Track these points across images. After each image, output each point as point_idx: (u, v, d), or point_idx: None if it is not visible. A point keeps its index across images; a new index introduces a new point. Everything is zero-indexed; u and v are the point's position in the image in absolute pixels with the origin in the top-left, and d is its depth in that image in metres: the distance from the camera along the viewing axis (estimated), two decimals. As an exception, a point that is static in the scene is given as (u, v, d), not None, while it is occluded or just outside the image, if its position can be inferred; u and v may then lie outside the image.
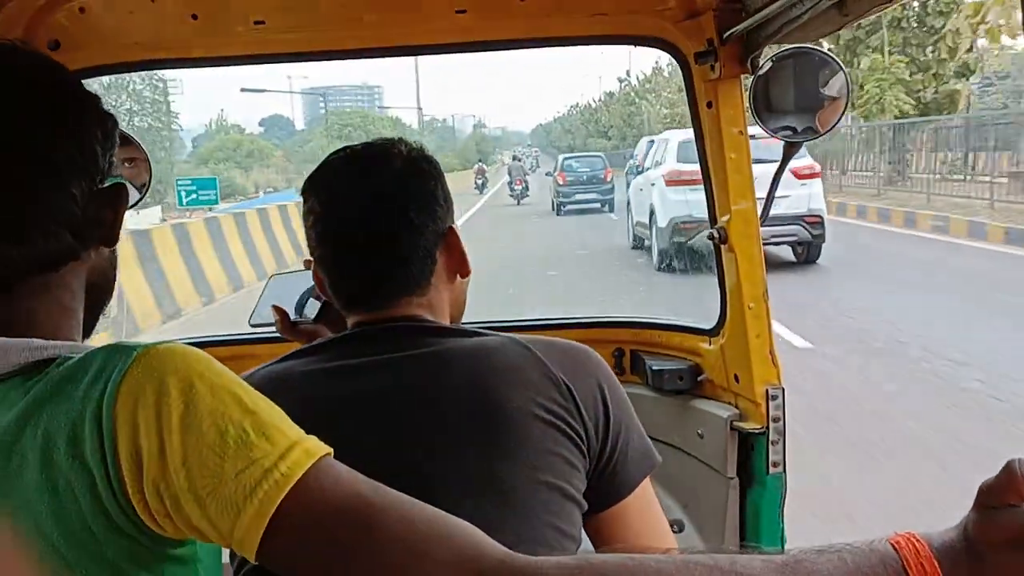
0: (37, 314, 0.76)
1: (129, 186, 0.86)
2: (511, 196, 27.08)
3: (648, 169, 12.27)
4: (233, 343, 1.94)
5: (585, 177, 22.36)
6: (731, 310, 1.65)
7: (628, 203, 13.51)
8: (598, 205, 21.86)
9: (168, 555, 0.71)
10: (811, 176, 9.98)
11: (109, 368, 0.69)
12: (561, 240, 15.57)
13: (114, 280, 0.88)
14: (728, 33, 1.46)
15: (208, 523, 0.67)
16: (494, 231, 16.49)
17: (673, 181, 10.27)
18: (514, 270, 10.99)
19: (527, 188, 27.25)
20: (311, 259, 1.11)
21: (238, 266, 12.00)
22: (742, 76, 1.53)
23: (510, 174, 28.54)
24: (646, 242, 11.75)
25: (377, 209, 1.05)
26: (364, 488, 0.68)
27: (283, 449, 0.67)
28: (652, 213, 10.98)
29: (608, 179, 22.29)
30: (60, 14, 1.46)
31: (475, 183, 35.23)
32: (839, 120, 1.53)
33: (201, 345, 1.85)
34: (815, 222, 9.79)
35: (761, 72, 1.48)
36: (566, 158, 25.03)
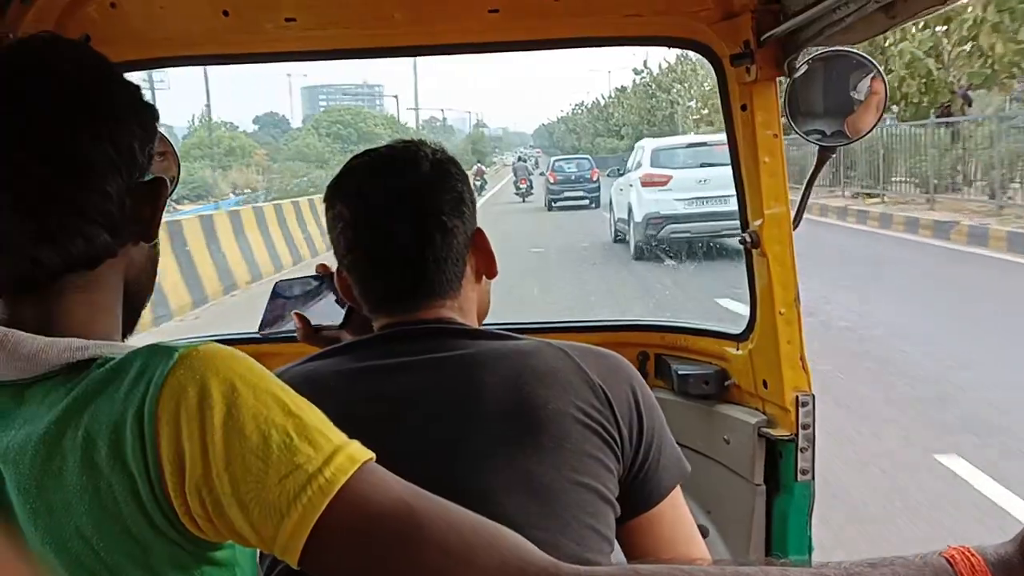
0: (74, 314, 0.75)
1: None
2: (516, 194, 29.06)
3: (629, 172, 13.99)
4: (257, 341, 1.92)
5: (573, 177, 25.05)
6: (762, 315, 1.63)
7: (611, 201, 15.17)
8: (586, 202, 24.09)
9: (207, 557, 0.70)
10: None
11: (151, 369, 0.68)
12: (549, 227, 18.52)
13: (154, 276, 0.86)
14: (766, 36, 1.44)
15: (251, 528, 0.66)
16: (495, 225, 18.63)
17: (647, 183, 12.29)
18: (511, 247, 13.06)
19: (531, 187, 29.36)
20: (325, 264, 1.11)
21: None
22: (778, 79, 1.51)
23: (515, 174, 31.04)
24: (626, 236, 13.25)
25: (411, 213, 1.05)
26: (408, 494, 0.67)
27: (327, 454, 0.66)
28: (630, 210, 12.79)
29: (594, 179, 24.83)
30: (91, 7, 1.45)
31: (473, 185, 34.08)
32: (874, 126, 1.51)
33: (227, 342, 1.84)
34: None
35: (798, 75, 1.46)
36: (556, 159, 28.24)
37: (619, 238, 14.08)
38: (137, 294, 0.84)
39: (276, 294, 1.46)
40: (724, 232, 10.92)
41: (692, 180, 12.10)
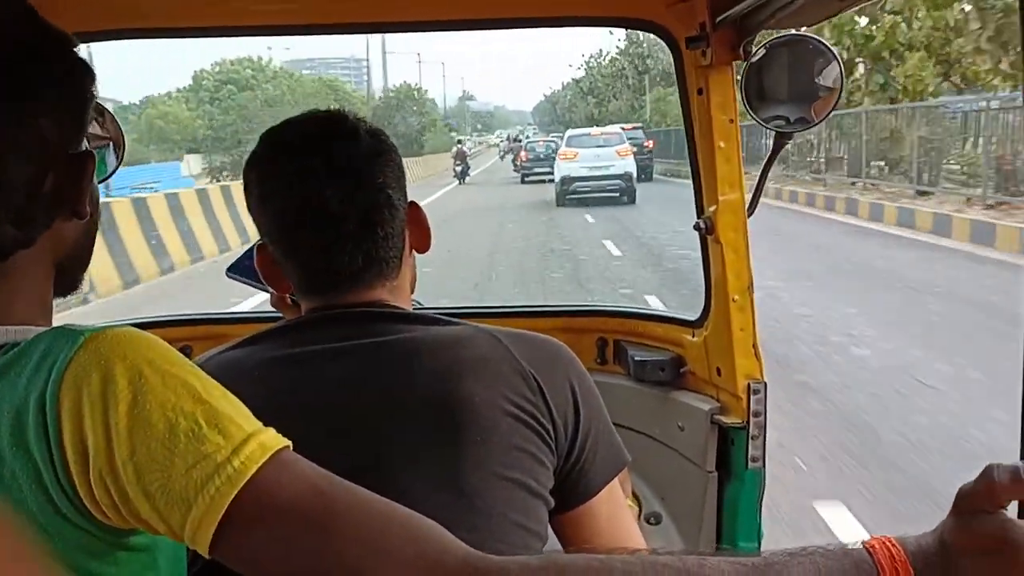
0: None
1: (111, 155, 0.80)
2: (516, 171, 32.54)
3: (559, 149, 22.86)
4: (209, 322, 1.89)
5: (542, 156, 29.32)
6: (715, 302, 1.62)
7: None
8: (552, 178, 27.61)
9: (121, 543, 0.68)
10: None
11: (54, 353, 0.65)
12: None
13: (90, 250, 0.81)
14: (721, 17, 1.42)
15: (157, 517, 0.64)
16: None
17: (563, 157, 21.18)
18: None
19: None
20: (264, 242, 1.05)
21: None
22: (734, 63, 1.49)
23: (512, 152, 35.64)
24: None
25: (356, 189, 0.99)
26: (323, 483, 0.65)
27: (237, 442, 0.64)
28: (556, 175, 21.18)
29: None
30: None
31: (453, 170, 30.69)
32: (830, 112, 1.50)
33: (164, 324, 1.82)
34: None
35: (754, 59, 1.44)
36: (528, 141, 34.56)
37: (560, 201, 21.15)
38: (71, 270, 0.79)
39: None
40: (607, 188, 20.17)
41: (591, 155, 20.50)
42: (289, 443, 0.67)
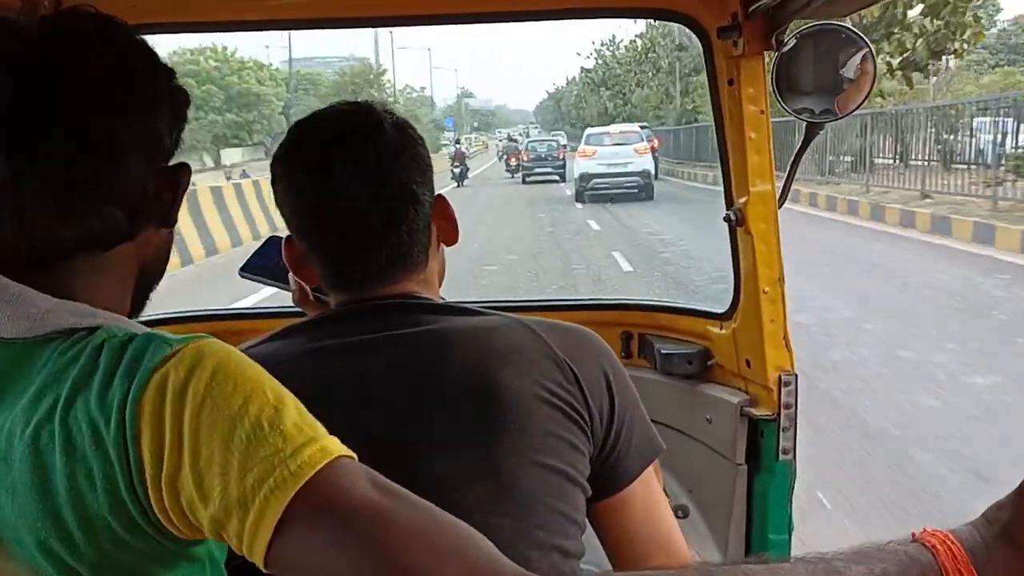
0: (79, 294, 0.73)
1: None
2: (507, 171, 31.83)
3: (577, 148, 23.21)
4: (222, 318, 1.89)
5: (544, 155, 29.30)
6: (745, 294, 1.62)
7: (573, 170, 23.39)
8: (555, 177, 28.27)
9: (184, 553, 0.69)
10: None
11: (145, 359, 0.66)
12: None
13: (167, 260, 0.85)
14: (753, 8, 1.41)
15: (218, 522, 0.63)
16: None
17: (582, 155, 21.48)
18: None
19: (520, 165, 31.57)
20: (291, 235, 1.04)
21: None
22: (765, 53, 1.48)
23: (506, 153, 34.18)
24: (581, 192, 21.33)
25: (382, 185, 0.99)
26: (379, 493, 0.64)
27: (297, 445, 0.63)
28: (574, 172, 21.98)
29: (560, 157, 29.16)
30: None
31: (451, 172, 27.88)
32: (861, 103, 1.49)
33: (181, 321, 1.82)
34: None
35: (785, 49, 1.43)
36: (530, 140, 34.32)
37: (578, 196, 21.81)
38: (149, 279, 0.83)
39: (271, 245, 1.42)
40: (624, 185, 20.50)
41: (609, 153, 21.05)
42: (352, 454, 0.66)
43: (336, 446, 0.65)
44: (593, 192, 20.38)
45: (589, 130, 24.58)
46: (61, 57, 0.71)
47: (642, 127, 25.33)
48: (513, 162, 31.14)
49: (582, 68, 58.46)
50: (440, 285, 1.11)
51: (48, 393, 0.66)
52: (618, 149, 21.14)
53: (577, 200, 20.45)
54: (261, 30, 1.64)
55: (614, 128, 24.99)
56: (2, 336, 0.69)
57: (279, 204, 1.03)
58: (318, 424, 0.67)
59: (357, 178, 0.98)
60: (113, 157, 0.72)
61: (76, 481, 0.64)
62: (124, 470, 0.64)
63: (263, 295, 5.67)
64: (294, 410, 0.66)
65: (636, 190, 20.47)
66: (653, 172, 21.09)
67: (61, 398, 0.66)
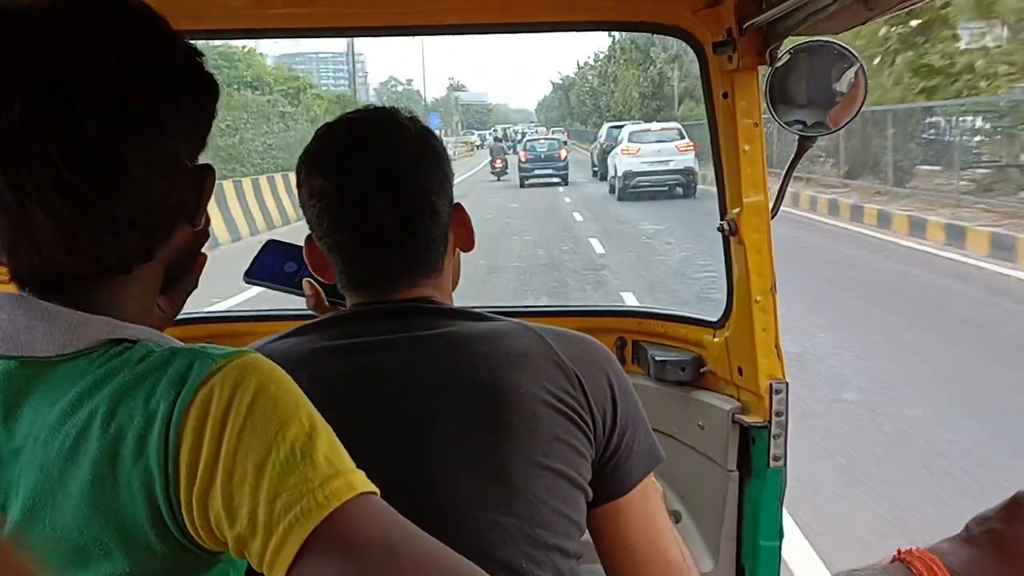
0: (107, 308, 0.73)
1: None
2: (492, 173, 29.94)
3: (615, 147, 22.74)
4: (229, 320, 1.91)
5: (543, 156, 27.71)
6: (738, 303, 1.64)
7: (607, 168, 23.51)
8: (557, 180, 27.14)
9: (211, 562, 0.70)
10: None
11: (190, 373, 0.67)
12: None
13: (198, 253, 0.83)
14: (748, 24, 1.44)
15: (243, 541, 0.65)
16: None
17: (625, 152, 21.24)
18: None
19: (507, 167, 29.75)
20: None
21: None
22: (759, 67, 1.51)
23: (491, 153, 32.26)
24: (615, 187, 21.67)
25: (399, 194, 1.02)
26: (395, 533, 0.65)
27: (325, 476, 0.65)
28: (616, 170, 21.55)
29: (562, 157, 27.60)
30: None
31: None
32: (853, 117, 1.52)
33: (183, 323, 1.82)
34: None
35: (779, 64, 1.46)
36: (528, 139, 31.58)
37: (612, 189, 22.24)
38: (180, 272, 0.81)
39: (272, 250, 1.42)
40: (667, 182, 20.65)
41: (651, 150, 20.90)
42: (376, 490, 0.67)
43: (360, 482, 0.66)
44: (635, 191, 20.24)
45: (631, 127, 23.73)
46: (73, 76, 0.66)
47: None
48: (498, 164, 29.64)
49: (600, 50, 55.42)
50: (454, 289, 1.14)
51: (85, 403, 0.66)
52: (660, 147, 20.87)
53: (619, 199, 20.56)
54: (260, 38, 1.66)
55: (655, 125, 24.46)
56: (37, 355, 0.69)
57: (302, 205, 1.06)
58: (346, 456, 0.68)
59: (374, 184, 1.01)
60: (123, 186, 0.69)
61: (116, 491, 0.65)
62: (162, 482, 0.65)
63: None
64: (325, 439, 0.67)
65: (679, 188, 20.29)
66: (696, 169, 20.46)
67: (101, 409, 0.66)
